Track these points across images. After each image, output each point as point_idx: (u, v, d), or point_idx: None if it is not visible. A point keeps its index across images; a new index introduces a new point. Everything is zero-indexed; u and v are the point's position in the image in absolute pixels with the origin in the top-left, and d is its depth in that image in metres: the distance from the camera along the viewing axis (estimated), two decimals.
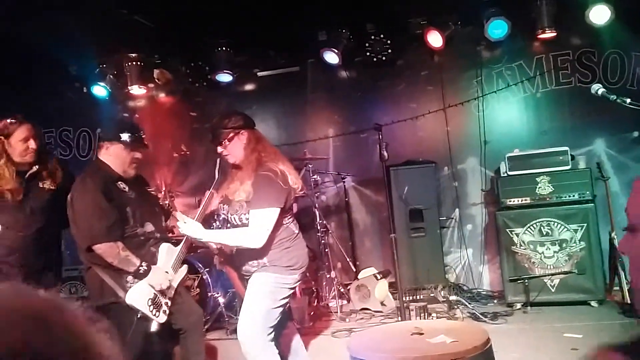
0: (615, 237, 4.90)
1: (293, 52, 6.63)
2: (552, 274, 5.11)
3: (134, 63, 6.59)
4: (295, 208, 3.42)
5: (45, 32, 5.14)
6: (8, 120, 3.19)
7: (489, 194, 6.14)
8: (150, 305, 3.15)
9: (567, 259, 5.10)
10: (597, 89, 3.16)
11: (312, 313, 5.51)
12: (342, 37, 6.21)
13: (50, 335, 0.64)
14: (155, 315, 3.17)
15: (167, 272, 3.34)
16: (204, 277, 5.32)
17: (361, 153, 6.59)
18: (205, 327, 4.13)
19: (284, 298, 3.18)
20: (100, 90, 6.70)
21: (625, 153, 5.76)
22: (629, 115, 4.24)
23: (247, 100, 6.83)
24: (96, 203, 3.14)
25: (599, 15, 5.40)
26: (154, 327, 3.18)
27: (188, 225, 3.13)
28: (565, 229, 5.10)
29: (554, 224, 5.14)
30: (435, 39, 5.90)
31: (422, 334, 2.58)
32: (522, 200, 5.34)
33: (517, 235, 5.23)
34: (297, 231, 3.28)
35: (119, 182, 3.33)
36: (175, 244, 3.47)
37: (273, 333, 3.13)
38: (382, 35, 6.09)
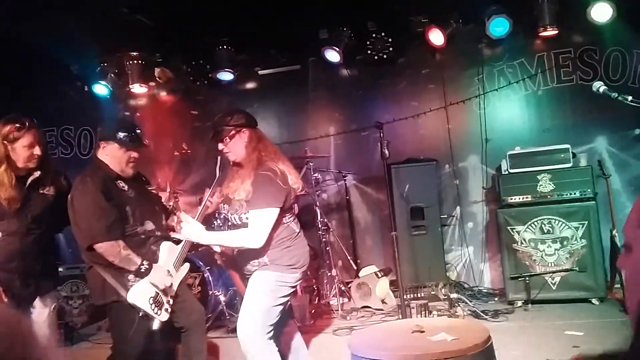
0: (616, 234, 4.89)
1: (294, 51, 6.63)
2: (553, 272, 5.11)
3: (135, 62, 6.59)
4: (296, 208, 3.42)
5: (46, 31, 5.15)
6: (15, 125, 3.10)
7: (490, 191, 6.13)
8: (151, 304, 3.16)
9: (568, 256, 5.10)
10: (599, 86, 3.16)
11: (313, 311, 5.52)
12: (343, 35, 6.20)
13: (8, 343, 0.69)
14: (157, 313, 3.18)
15: (168, 270, 3.35)
16: (205, 275, 5.33)
17: (362, 151, 6.59)
18: (207, 325, 4.13)
19: (284, 296, 3.18)
20: (101, 89, 6.72)
21: (627, 151, 5.75)
22: (631, 113, 4.25)
23: (249, 99, 6.83)
24: (96, 203, 3.14)
25: (601, 13, 5.39)
26: (155, 325, 3.18)
27: (190, 228, 3.13)
28: (567, 227, 5.10)
29: (555, 222, 5.13)
30: (436, 37, 5.89)
31: (423, 331, 2.59)
32: (523, 198, 5.33)
33: (518, 233, 5.23)
34: (298, 230, 3.28)
35: (118, 181, 3.33)
36: (177, 242, 3.47)
37: (273, 331, 3.14)
38: (383, 34, 6.09)
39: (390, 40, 6.09)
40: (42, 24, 5.08)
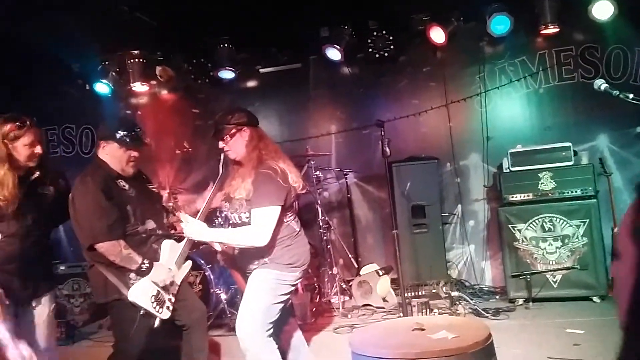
0: (617, 232, 4.89)
1: (295, 49, 6.63)
2: (555, 270, 5.12)
3: (137, 60, 6.60)
4: (296, 206, 3.42)
5: (47, 30, 5.15)
6: (16, 124, 3.06)
7: (492, 190, 6.13)
8: (153, 302, 3.16)
9: (569, 254, 5.10)
10: (600, 84, 3.16)
11: (314, 309, 5.53)
12: (344, 33, 6.20)
13: None
14: (158, 311, 3.18)
15: (170, 268, 3.35)
16: (207, 273, 5.34)
17: (363, 149, 6.59)
18: (208, 323, 4.14)
19: (284, 294, 3.18)
20: (102, 88, 6.72)
21: (628, 148, 5.74)
22: (632, 111, 4.23)
23: (250, 97, 6.84)
24: (97, 202, 3.14)
25: (602, 11, 5.39)
26: (157, 323, 3.19)
27: (191, 226, 3.11)
28: (568, 225, 5.10)
29: (556, 220, 5.13)
30: (437, 35, 5.89)
31: (423, 329, 2.59)
32: (524, 196, 5.33)
33: (520, 231, 5.23)
34: (298, 229, 3.28)
35: (119, 180, 3.32)
36: (178, 240, 3.47)
37: (272, 329, 3.14)
38: (384, 32, 6.09)
39: (391, 38, 6.09)
40: (42, 23, 5.08)
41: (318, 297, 5.88)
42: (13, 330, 2.91)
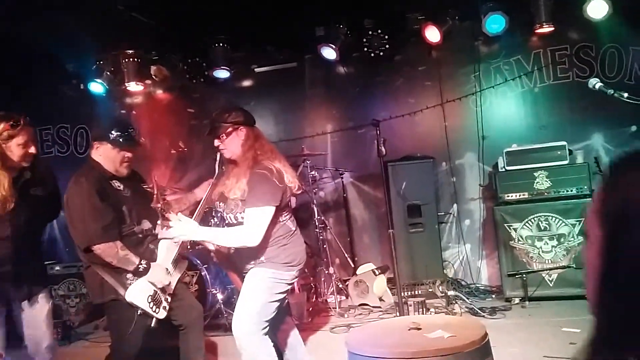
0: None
1: (291, 48, 6.62)
2: (550, 269, 5.13)
3: (131, 60, 6.57)
4: (293, 203, 3.42)
5: (44, 30, 5.12)
6: (10, 123, 3.02)
7: (487, 189, 6.14)
8: (150, 302, 3.16)
9: (565, 253, 5.11)
10: (595, 83, 3.16)
11: (310, 309, 5.52)
12: (339, 32, 6.19)
13: None
14: (155, 311, 3.18)
15: (167, 268, 3.34)
16: (203, 273, 5.33)
17: (359, 149, 6.59)
18: (204, 323, 4.13)
19: (280, 293, 3.18)
20: (97, 87, 6.69)
21: (623, 147, 5.70)
22: (627, 110, 4.23)
23: (245, 97, 6.82)
24: (91, 204, 3.13)
25: (597, 10, 5.40)
26: (154, 323, 3.19)
27: (183, 225, 3.03)
28: (563, 224, 5.11)
29: (552, 219, 5.15)
30: (432, 34, 5.89)
31: (419, 329, 2.59)
32: (520, 195, 5.34)
33: (515, 230, 5.24)
34: (294, 228, 3.27)
35: (113, 181, 3.31)
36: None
37: (268, 327, 3.14)
38: (379, 31, 6.08)
39: (386, 37, 6.08)
40: (40, 22, 5.05)
41: (314, 296, 5.88)
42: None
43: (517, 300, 5.19)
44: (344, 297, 5.93)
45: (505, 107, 6.16)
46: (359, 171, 6.60)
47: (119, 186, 3.32)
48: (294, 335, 3.53)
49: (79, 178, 3.21)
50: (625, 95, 2.95)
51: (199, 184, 3.62)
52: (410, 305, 4.77)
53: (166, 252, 3.37)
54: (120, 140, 3.27)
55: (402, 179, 5.85)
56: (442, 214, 6.20)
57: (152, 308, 3.16)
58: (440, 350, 2.30)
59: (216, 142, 3.21)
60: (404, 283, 5.36)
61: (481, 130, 6.12)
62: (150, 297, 3.17)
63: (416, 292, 5.50)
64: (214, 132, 3.21)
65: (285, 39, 6.44)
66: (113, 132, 3.27)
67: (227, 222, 3.26)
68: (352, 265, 6.28)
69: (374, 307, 5.60)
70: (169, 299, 3.32)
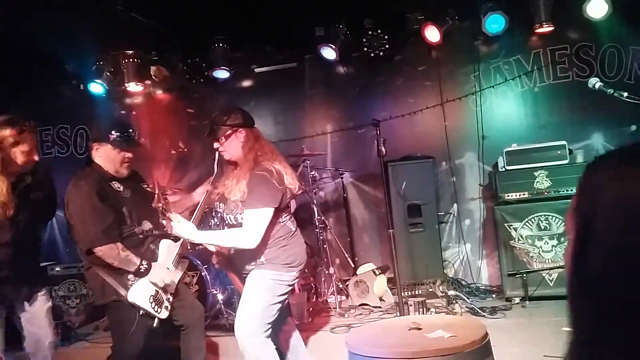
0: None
1: (290, 48, 6.62)
2: (551, 268, 5.13)
3: (131, 60, 6.57)
4: (294, 204, 3.41)
5: (42, 30, 5.12)
6: (16, 129, 3.00)
7: (487, 188, 6.14)
8: (152, 302, 3.16)
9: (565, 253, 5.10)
10: (594, 82, 3.16)
11: (311, 309, 5.52)
12: (339, 32, 6.19)
13: None
14: (157, 311, 3.18)
15: (168, 268, 3.34)
16: (203, 274, 5.32)
17: (359, 149, 6.58)
18: (205, 323, 4.13)
19: (282, 294, 3.17)
20: (97, 88, 6.69)
21: None
22: (627, 109, 4.24)
23: (245, 97, 6.81)
24: (91, 206, 3.12)
25: (597, 9, 5.40)
26: (155, 323, 3.19)
27: (182, 226, 3.04)
28: (563, 223, 5.11)
29: (552, 218, 5.15)
30: (432, 34, 5.89)
31: (420, 329, 2.59)
32: (520, 195, 5.34)
33: (516, 229, 5.24)
34: (294, 229, 3.27)
35: (113, 182, 3.30)
36: (176, 239, 3.46)
37: (270, 329, 3.13)
38: (379, 31, 6.08)
39: (386, 37, 6.08)
40: (39, 22, 5.05)
41: (315, 297, 5.88)
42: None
43: (517, 300, 5.19)
44: (344, 297, 5.93)
45: (505, 106, 6.16)
46: (359, 171, 6.60)
47: (118, 187, 3.31)
48: (295, 336, 3.53)
49: (79, 180, 3.20)
50: (625, 94, 2.95)
51: (199, 184, 3.61)
52: (411, 305, 4.77)
53: (167, 252, 3.38)
54: (120, 140, 3.27)
55: (402, 179, 5.84)
56: (442, 213, 6.20)
57: (154, 308, 3.17)
58: (440, 350, 2.30)
59: (215, 145, 3.20)
60: (404, 283, 5.36)
61: (481, 130, 6.12)
62: (152, 297, 3.17)
63: (416, 292, 5.50)
64: (213, 134, 3.20)
65: (285, 39, 6.44)
66: (113, 132, 3.27)
67: (227, 222, 3.26)
68: (352, 265, 6.27)
69: (374, 307, 5.60)
70: (171, 299, 3.32)
